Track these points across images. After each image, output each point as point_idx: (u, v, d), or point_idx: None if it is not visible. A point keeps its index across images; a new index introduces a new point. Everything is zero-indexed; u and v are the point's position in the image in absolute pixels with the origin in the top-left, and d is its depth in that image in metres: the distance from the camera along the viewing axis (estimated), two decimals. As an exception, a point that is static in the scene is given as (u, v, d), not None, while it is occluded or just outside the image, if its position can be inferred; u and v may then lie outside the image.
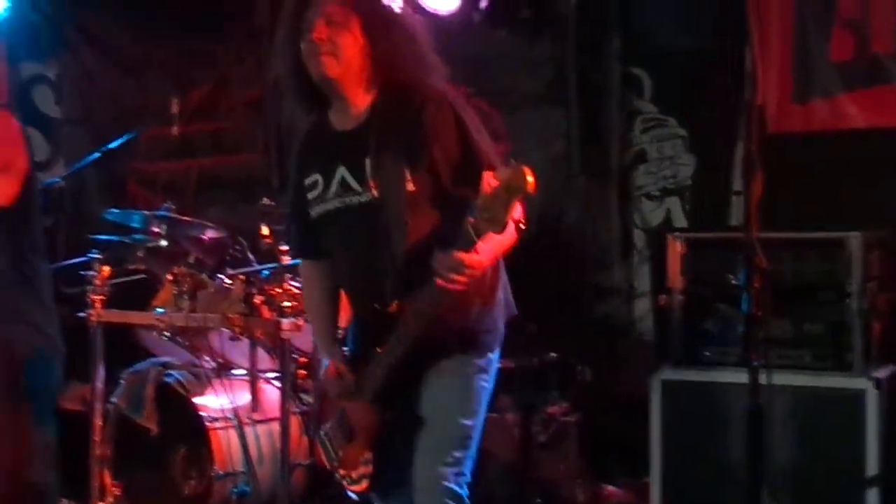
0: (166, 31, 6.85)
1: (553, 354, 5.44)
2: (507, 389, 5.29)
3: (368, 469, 3.35)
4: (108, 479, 5.14)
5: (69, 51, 7.37)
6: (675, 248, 4.91)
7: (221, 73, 6.91)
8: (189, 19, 6.72)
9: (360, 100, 3.26)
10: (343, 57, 3.17)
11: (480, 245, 2.83)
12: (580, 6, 6.02)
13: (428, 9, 5.91)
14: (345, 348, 3.48)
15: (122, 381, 5.23)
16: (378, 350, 3.20)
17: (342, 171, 3.23)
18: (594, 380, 5.50)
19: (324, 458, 3.53)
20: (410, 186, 3.12)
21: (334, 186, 3.26)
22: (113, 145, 5.70)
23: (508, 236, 2.98)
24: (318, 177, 3.32)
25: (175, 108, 6.19)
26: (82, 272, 5.11)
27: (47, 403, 3.73)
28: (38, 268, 3.49)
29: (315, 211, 3.35)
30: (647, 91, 6.02)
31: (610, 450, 5.56)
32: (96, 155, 5.70)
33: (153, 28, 6.90)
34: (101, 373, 5.22)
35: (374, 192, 3.16)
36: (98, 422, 5.17)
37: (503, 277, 3.36)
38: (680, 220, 5.97)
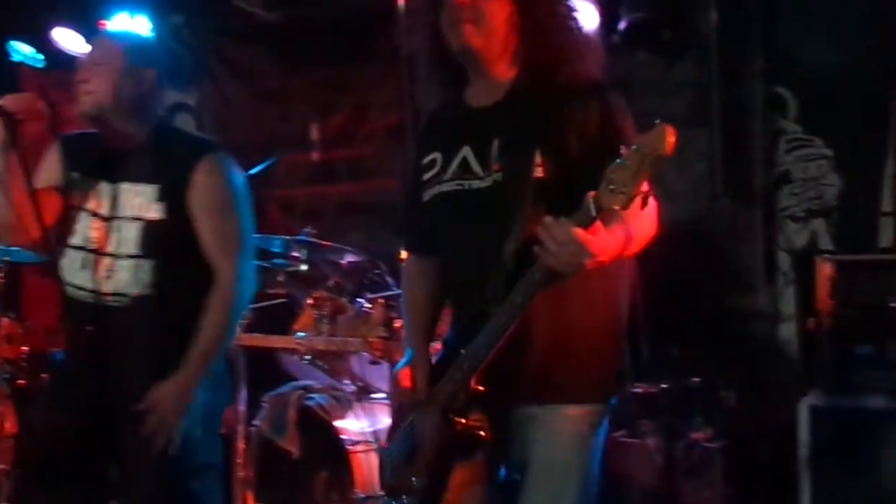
0: (306, 58, 6.94)
1: (696, 379, 5.37)
2: (649, 414, 5.28)
3: (416, 496, 2.96)
4: (250, 501, 5.22)
5: (209, 79, 7.52)
6: (824, 271, 4.80)
7: (361, 100, 6.97)
8: (329, 47, 6.83)
9: (503, 74, 2.91)
10: (487, 25, 2.83)
11: (601, 227, 2.48)
12: (722, 26, 5.95)
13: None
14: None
15: (264, 405, 5.30)
16: (462, 352, 2.78)
17: (465, 151, 2.90)
18: (739, 405, 5.42)
19: (379, 477, 3.20)
20: (539, 173, 2.73)
21: (453, 167, 2.92)
22: (253, 171, 5.77)
23: (640, 231, 2.66)
24: (437, 155, 2.99)
25: (315, 135, 6.29)
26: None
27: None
28: None
29: (428, 193, 3.00)
30: (792, 111, 5.91)
31: (757, 477, 5.43)
32: (238, 181, 5.80)
33: (293, 55, 7.01)
34: (243, 396, 5.30)
35: (497, 177, 2.81)
36: (241, 444, 5.24)
37: (623, 317, 2.97)
38: (826, 242, 5.83)
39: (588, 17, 4.64)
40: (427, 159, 3.02)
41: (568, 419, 2.82)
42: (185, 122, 7.54)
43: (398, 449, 3.06)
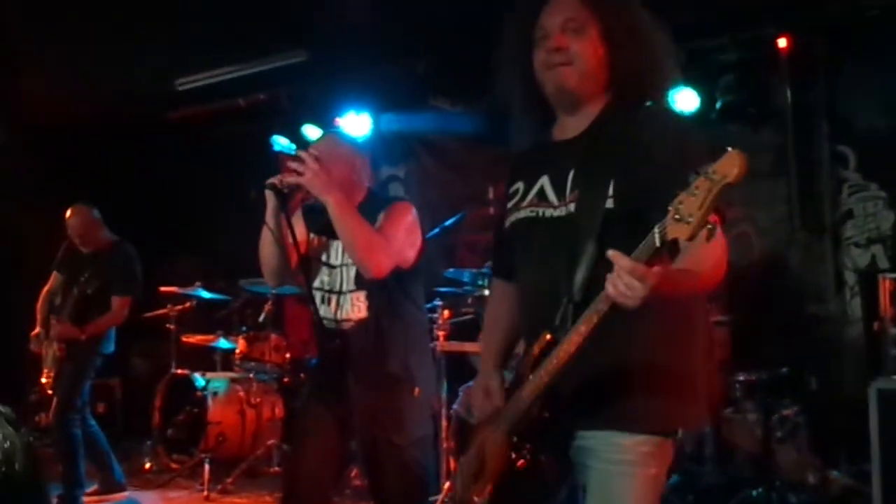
0: (482, 138, 6.79)
1: (785, 369, 5.28)
2: (749, 396, 5.23)
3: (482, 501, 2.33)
4: (454, 465, 5.27)
5: (413, 157, 7.63)
6: (885, 285, 4.73)
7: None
8: (497, 129, 6.86)
9: (590, 109, 2.32)
10: (583, 67, 2.26)
11: (666, 261, 1.86)
12: (794, 101, 5.88)
13: (675, 109, 5.92)
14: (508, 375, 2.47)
15: (460, 393, 5.34)
16: (529, 377, 2.19)
17: (543, 181, 2.31)
18: (819, 388, 5.30)
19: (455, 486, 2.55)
20: (610, 203, 2.14)
21: (531, 195, 2.33)
22: (448, 223, 5.86)
23: (707, 266, 2.02)
24: (520, 184, 2.38)
25: (491, 194, 6.33)
26: (430, 315, 5.27)
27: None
28: (418, 316, 3.53)
29: (509, 220, 2.39)
30: (852, 163, 5.80)
31: (835, 443, 5.29)
32: (436, 231, 5.87)
33: (473, 137, 7.02)
34: (444, 387, 5.39)
35: (570, 208, 2.23)
36: (444, 423, 5.33)
37: (697, 349, 2.27)
38: (883, 262, 5.69)
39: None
40: (512, 188, 2.42)
41: (621, 449, 2.16)
42: (396, 189, 7.72)
43: (469, 464, 2.41)
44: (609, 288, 1.90)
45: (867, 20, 5.58)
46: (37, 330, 5.82)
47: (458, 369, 5.61)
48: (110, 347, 5.84)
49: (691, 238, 1.76)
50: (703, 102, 5.88)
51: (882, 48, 5.62)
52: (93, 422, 5.78)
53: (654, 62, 2.29)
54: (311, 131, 6.85)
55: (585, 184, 2.21)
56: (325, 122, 6.85)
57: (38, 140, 7.16)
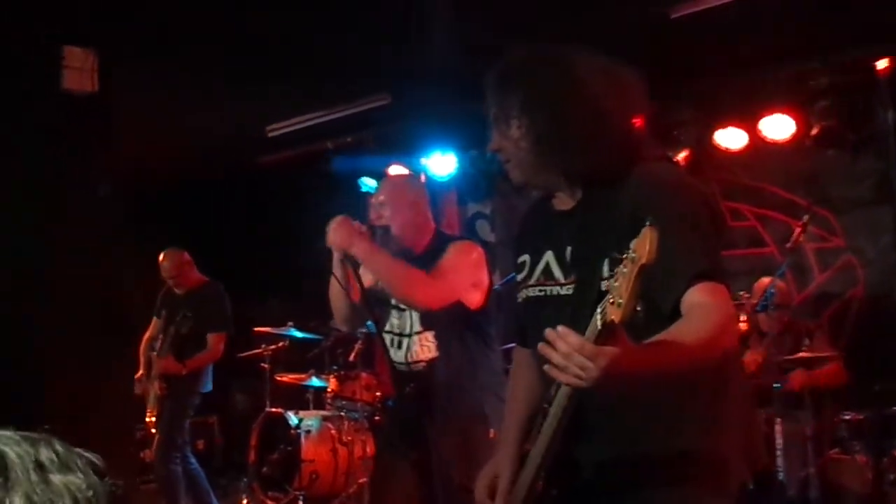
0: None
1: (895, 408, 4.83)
2: (857, 436, 4.84)
3: None
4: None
5: (499, 193, 7.42)
6: None
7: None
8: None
9: (572, 191, 2.12)
10: (518, 161, 2.11)
11: (624, 340, 1.66)
12: (898, 124, 5.45)
13: (768, 137, 5.61)
14: None
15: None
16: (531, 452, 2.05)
17: (548, 256, 2.16)
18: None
19: None
20: (604, 286, 1.90)
21: (538, 272, 2.19)
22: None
23: (697, 338, 1.80)
24: (526, 257, 2.24)
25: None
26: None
27: None
28: (491, 357, 3.36)
29: (520, 295, 2.26)
30: (964, 189, 5.35)
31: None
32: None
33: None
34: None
35: (573, 286, 2.09)
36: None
37: (730, 425, 2.04)
38: None
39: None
40: (520, 260, 2.27)
41: None
42: (482, 228, 7.53)
43: None
44: (553, 372, 1.70)
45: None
46: (140, 372, 5.94)
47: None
48: (208, 386, 5.89)
49: (623, 321, 1.63)
50: (797, 128, 5.53)
51: None
52: (193, 460, 5.83)
53: (609, 131, 2.01)
54: (396, 171, 6.71)
55: (581, 265, 2.07)
56: (410, 163, 6.71)
57: (137, 189, 7.21)
